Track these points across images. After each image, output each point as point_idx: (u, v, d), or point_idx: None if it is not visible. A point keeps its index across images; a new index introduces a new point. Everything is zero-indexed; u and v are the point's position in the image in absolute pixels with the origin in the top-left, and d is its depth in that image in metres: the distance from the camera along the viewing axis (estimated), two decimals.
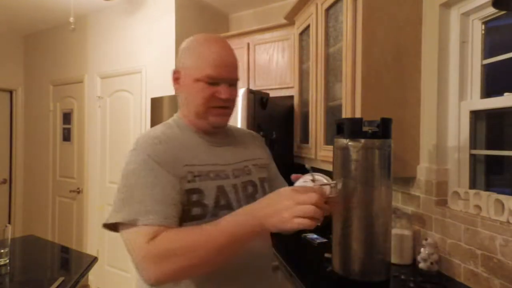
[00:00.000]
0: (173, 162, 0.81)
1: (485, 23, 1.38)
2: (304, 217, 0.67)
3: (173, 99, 2.37)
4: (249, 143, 1.05)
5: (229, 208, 0.84)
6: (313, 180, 0.79)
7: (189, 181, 0.82)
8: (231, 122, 1.00)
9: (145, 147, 0.82)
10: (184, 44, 0.94)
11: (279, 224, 0.69)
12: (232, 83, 0.91)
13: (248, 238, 0.73)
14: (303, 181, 0.81)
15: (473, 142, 1.40)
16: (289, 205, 0.68)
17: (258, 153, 1.04)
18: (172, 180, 0.79)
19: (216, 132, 0.94)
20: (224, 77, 0.88)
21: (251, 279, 0.89)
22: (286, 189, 0.73)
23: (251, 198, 0.90)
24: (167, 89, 2.80)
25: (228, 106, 0.92)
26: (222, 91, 0.87)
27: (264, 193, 0.93)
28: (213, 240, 0.71)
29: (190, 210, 0.80)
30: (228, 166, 0.91)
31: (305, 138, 2.21)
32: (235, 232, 0.72)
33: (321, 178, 0.79)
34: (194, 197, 0.81)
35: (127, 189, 0.78)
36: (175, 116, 0.97)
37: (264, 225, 0.71)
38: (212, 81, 0.86)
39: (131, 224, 0.74)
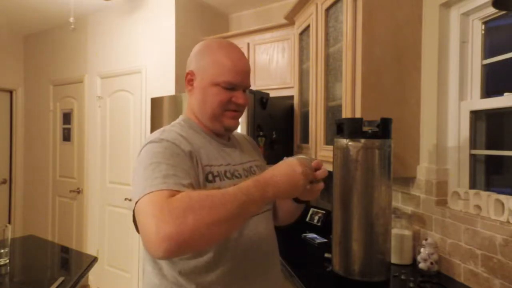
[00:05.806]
0: (195, 158, 0.83)
1: (485, 23, 1.38)
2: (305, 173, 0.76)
3: (173, 99, 2.36)
4: (246, 145, 1.09)
5: None
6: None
7: (209, 181, 0.84)
8: None
9: (172, 138, 0.82)
10: (198, 47, 0.96)
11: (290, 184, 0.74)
12: (245, 90, 0.96)
13: (260, 199, 0.71)
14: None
15: (473, 142, 1.40)
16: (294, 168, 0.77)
17: (255, 155, 1.08)
18: (195, 170, 0.80)
19: (223, 134, 0.98)
20: (240, 84, 0.92)
21: (262, 278, 0.91)
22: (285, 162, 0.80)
23: None
24: (167, 89, 2.80)
25: (241, 110, 0.96)
26: (239, 97, 0.92)
27: None
28: (234, 197, 0.67)
29: None
30: (239, 166, 0.95)
31: (305, 138, 2.21)
32: (250, 192, 0.69)
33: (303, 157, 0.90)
34: None
35: (153, 167, 0.74)
36: (184, 117, 0.98)
37: (274, 187, 0.73)
38: (230, 87, 0.91)
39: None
